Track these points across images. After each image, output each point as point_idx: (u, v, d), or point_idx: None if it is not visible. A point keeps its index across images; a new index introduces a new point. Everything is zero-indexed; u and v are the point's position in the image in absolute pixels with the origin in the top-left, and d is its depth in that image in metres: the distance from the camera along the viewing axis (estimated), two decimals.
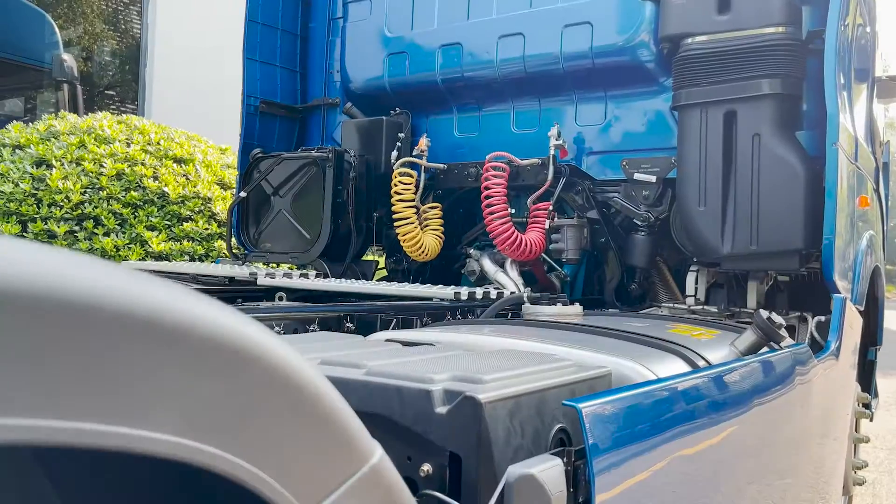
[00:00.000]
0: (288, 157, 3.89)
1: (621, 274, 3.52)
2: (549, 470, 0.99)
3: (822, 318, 2.97)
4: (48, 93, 9.15)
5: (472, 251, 3.77)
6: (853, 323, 2.93)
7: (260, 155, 4.00)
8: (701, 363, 1.80)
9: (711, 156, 2.98)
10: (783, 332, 2.03)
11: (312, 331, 2.18)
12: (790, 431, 2.08)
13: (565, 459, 1.08)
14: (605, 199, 3.48)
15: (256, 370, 0.56)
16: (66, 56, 9.02)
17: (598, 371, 1.45)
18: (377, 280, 3.98)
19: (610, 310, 3.40)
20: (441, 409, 1.13)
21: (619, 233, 3.53)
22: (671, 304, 3.38)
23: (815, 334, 2.96)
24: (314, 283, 3.01)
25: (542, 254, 3.51)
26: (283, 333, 2.08)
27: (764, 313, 2.01)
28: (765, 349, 2.05)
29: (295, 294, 3.09)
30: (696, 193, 3.01)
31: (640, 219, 3.33)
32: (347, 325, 2.25)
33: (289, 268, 3.83)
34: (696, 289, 3.27)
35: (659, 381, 1.44)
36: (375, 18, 4.03)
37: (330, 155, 3.69)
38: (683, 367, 1.72)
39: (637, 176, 3.31)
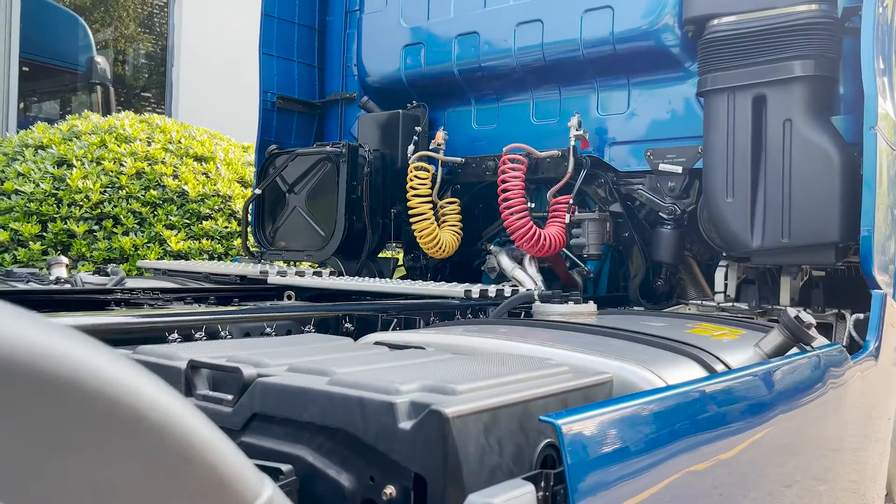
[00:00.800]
0: (302, 153, 3.80)
1: (647, 270, 3.36)
2: (515, 499, 0.86)
3: (861, 316, 2.78)
4: (83, 95, 9.26)
5: (491, 247, 3.64)
6: (895, 320, 2.73)
7: (275, 151, 3.93)
8: (719, 367, 1.64)
9: (740, 144, 2.81)
10: (813, 331, 1.86)
11: (308, 332, 2.07)
12: (821, 439, 1.91)
13: (542, 484, 0.94)
14: (628, 191, 3.32)
15: (65, 397, 0.43)
16: (99, 58, 9.13)
17: (596, 378, 1.31)
18: (397, 277, 3.87)
19: (634, 308, 3.24)
20: (405, 425, 1.00)
21: (643, 227, 3.36)
22: (699, 302, 3.20)
23: (854, 333, 2.77)
24: (323, 281, 2.92)
25: (564, 249, 3.37)
26: (275, 335, 1.98)
27: (791, 311, 1.84)
28: (794, 350, 1.88)
29: (306, 293, 3.00)
30: (723, 184, 2.84)
31: (665, 211, 3.17)
32: (346, 325, 2.14)
33: (309, 265, 3.75)
34: (726, 285, 3.10)
35: (662, 389, 1.30)
36: (391, 9, 3.92)
37: (344, 150, 3.59)
38: (698, 372, 1.57)
39: (662, 166, 3.14)
